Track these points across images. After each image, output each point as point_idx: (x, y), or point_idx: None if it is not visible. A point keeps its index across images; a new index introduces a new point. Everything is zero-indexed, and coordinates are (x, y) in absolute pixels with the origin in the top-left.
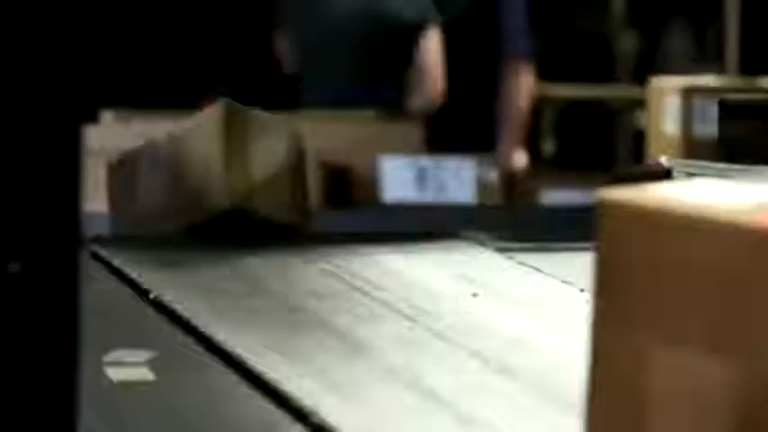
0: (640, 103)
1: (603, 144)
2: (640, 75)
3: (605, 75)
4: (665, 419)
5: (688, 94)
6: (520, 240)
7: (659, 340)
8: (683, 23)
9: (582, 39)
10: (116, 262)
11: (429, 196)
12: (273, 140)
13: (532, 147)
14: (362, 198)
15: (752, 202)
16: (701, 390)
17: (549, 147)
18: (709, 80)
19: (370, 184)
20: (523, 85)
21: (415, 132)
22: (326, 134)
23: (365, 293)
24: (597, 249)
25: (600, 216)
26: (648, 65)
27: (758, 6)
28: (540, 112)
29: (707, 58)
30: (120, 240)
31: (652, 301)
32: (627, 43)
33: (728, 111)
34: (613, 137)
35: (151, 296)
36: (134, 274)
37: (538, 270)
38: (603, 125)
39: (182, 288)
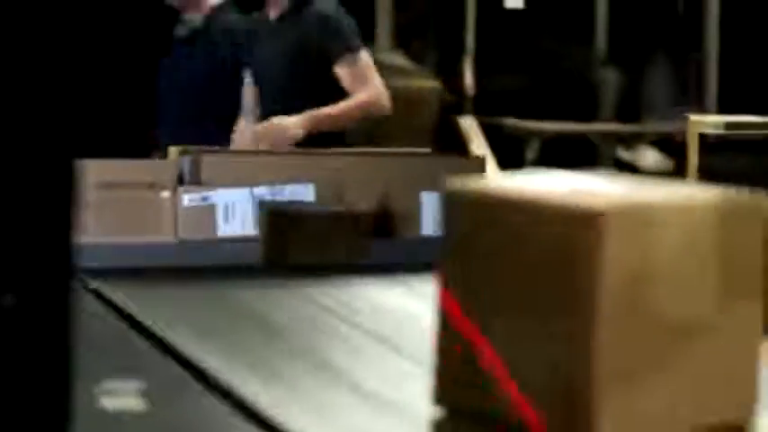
0: (622, 138)
1: None
2: (622, 111)
3: (588, 111)
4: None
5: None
6: None
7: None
8: (664, 60)
9: (566, 77)
10: (108, 293)
11: None
12: None
13: None
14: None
15: (568, 188)
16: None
17: None
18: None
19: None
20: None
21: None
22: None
23: (352, 324)
24: (444, 232)
25: (447, 203)
26: (630, 101)
27: (737, 41)
28: (524, 145)
29: (688, 93)
30: (112, 272)
31: (487, 274)
32: (609, 80)
33: (710, 146)
34: (596, 170)
35: (143, 325)
36: (125, 305)
37: None
38: (586, 159)
39: (172, 319)
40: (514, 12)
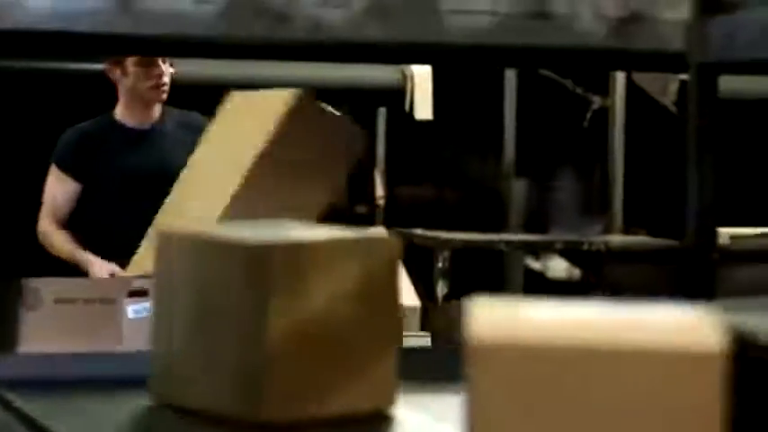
0: (531, 248)
1: (494, 287)
2: (531, 221)
3: (497, 222)
4: None
5: None
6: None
7: None
8: (571, 172)
9: (475, 187)
10: (23, 405)
11: None
12: None
13: (427, 288)
14: None
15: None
16: None
17: (441, 289)
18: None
19: None
20: None
21: None
22: None
23: None
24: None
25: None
26: (538, 212)
27: (641, 153)
28: (433, 255)
29: (593, 205)
30: (36, 384)
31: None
32: (517, 191)
33: (613, 255)
34: (504, 281)
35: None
36: (40, 418)
37: None
38: (496, 268)
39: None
40: (424, 123)
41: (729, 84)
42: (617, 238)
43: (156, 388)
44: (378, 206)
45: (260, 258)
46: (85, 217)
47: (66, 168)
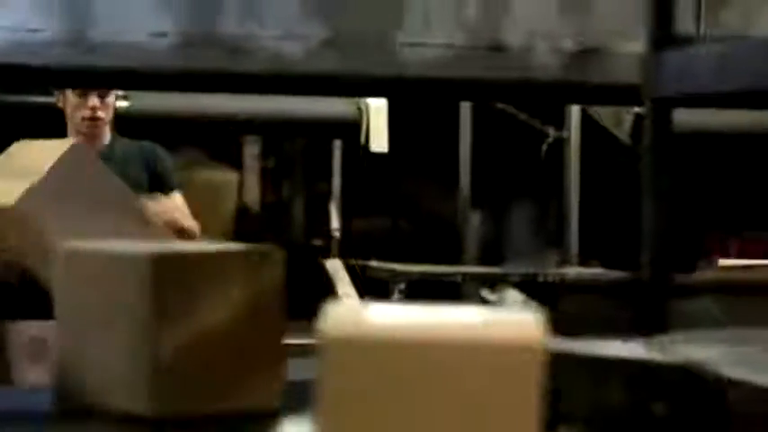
0: (486, 280)
1: None
2: (486, 253)
3: (453, 254)
4: None
5: None
6: None
7: None
8: (526, 204)
9: (430, 219)
10: None
11: None
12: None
13: None
14: None
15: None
16: None
17: None
18: None
19: None
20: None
21: None
22: None
23: None
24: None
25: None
26: (494, 244)
27: (596, 185)
28: (389, 287)
29: (549, 237)
30: None
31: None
32: (473, 223)
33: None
34: None
35: None
36: None
37: None
38: (451, 300)
39: None
40: (380, 156)
41: (684, 117)
42: (572, 271)
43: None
44: (333, 238)
45: (152, 269)
46: None
47: None
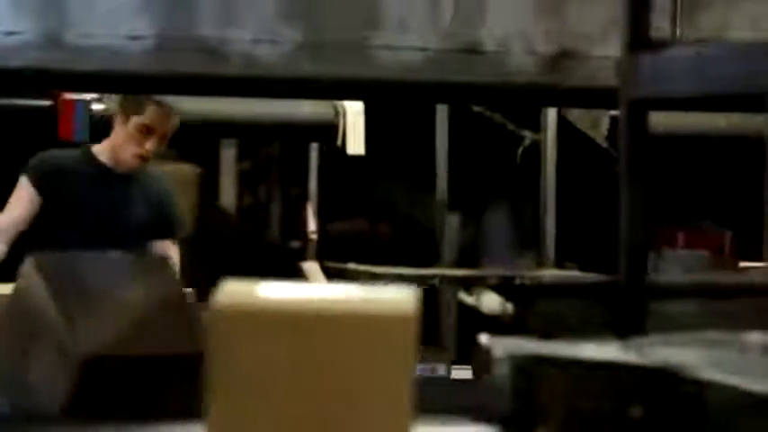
0: (463, 282)
1: (428, 321)
2: (463, 256)
3: (430, 256)
4: None
5: None
6: None
7: None
8: (503, 207)
9: (407, 222)
10: None
11: None
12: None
13: None
14: None
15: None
16: None
17: None
18: None
19: None
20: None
21: None
22: None
23: None
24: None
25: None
26: (471, 247)
27: (573, 189)
28: None
29: (526, 240)
30: None
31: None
32: (450, 226)
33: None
34: (439, 314)
35: None
36: None
37: None
38: (428, 304)
39: None
40: (356, 158)
41: (660, 119)
42: (549, 273)
43: None
44: (310, 241)
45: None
46: (40, 239)
47: (37, 186)
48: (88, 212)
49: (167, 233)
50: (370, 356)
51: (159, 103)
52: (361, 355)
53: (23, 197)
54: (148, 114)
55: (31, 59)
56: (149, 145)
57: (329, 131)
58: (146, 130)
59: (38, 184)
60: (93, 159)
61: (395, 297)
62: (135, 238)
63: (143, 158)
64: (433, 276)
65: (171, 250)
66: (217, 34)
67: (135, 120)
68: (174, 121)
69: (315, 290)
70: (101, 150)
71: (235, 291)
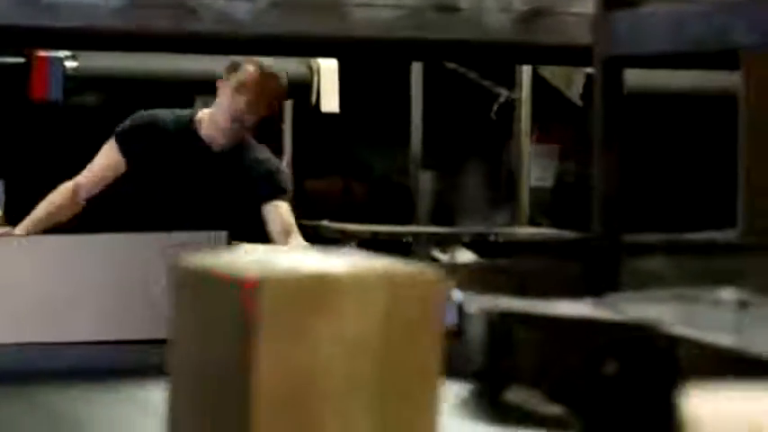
0: (437, 240)
1: None
2: (437, 213)
3: (404, 214)
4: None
5: None
6: None
7: None
8: (477, 165)
9: (382, 180)
10: None
11: None
12: None
13: None
14: None
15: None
16: None
17: None
18: None
19: None
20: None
21: None
22: None
23: None
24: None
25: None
26: (445, 204)
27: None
28: (340, 247)
29: (500, 198)
30: None
31: None
32: (424, 184)
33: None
34: None
35: None
36: None
37: None
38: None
39: None
40: (331, 116)
41: (635, 77)
42: (523, 230)
43: None
44: None
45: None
46: (120, 201)
47: (123, 149)
48: (174, 188)
49: (272, 194)
50: (398, 315)
51: (259, 64)
52: (391, 314)
53: (107, 164)
54: (244, 72)
55: (2, 16)
56: (247, 123)
57: (303, 89)
58: (242, 89)
59: (125, 149)
60: (190, 131)
61: (412, 264)
62: (218, 214)
63: (239, 122)
64: (407, 234)
65: (283, 210)
66: None
67: (233, 78)
68: (277, 86)
69: (338, 259)
70: (203, 118)
71: (261, 262)
